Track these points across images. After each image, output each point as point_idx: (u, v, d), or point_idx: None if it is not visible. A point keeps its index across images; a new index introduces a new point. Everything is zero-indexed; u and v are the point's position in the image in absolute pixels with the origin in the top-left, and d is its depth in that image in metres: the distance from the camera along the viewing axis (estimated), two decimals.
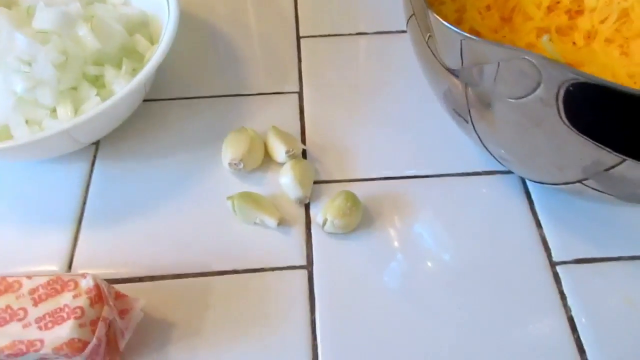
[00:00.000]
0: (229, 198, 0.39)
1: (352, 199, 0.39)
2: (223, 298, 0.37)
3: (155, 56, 0.39)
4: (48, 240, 0.39)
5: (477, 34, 0.38)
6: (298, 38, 0.52)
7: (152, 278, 0.37)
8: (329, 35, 0.52)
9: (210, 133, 0.45)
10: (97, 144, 0.44)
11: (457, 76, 0.32)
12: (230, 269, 0.38)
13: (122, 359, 0.34)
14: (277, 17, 0.54)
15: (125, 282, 0.37)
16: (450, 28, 0.29)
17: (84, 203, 0.41)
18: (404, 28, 0.38)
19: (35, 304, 0.31)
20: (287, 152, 0.41)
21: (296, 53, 0.51)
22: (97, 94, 0.40)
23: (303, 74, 0.49)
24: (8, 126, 0.39)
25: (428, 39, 0.33)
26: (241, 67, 0.50)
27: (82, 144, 0.42)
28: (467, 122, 0.35)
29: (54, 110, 0.40)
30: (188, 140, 0.45)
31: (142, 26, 0.46)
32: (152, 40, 0.46)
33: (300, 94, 0.48)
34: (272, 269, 0.38)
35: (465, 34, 0.28)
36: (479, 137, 0.35)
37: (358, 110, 0.46)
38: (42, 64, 0.38)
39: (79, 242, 0.39)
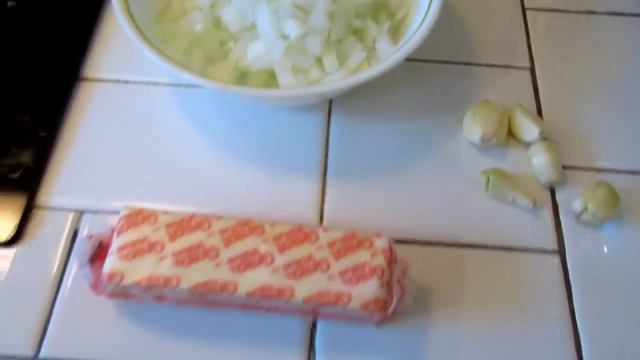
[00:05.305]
0: (484, 173, 0.39)
1: (613, 192, 0.38)
2: (476, 272, 0.37)
3: (422, 28, 0.38)
4: (296, 187, 0.40)
5: None
6: (523, 9, 0.50)
7: (403, 242, 0.38)
8: (557, 11, 0.50)
9: (446, 101, 0.44)
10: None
11: None
12: (480, 244, 0.38)
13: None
14: None
15: None
16: None
17: (326, 155, 0.41)
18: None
19: (336, 257, 0.32)
20: (540, 133, 0.40)
21: (523, 26, 0.49)
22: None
23: (533, 49, 0.47)
24: (273, 70, 0.39)
25: None
26: (466, 33, 0.48)
27: (329, 99, 0.42)
28: None
29: (319, 60, 0.39)
30: (423, 106, 0.44)
31: None
32: None
33: (532, 70, 0.46)
34: (523, 250, 0.38)
35: None
36: None
37: (597, 94, 0.45)
38: (319, 12, 0.38)
39: (327, 194, 0.40)
